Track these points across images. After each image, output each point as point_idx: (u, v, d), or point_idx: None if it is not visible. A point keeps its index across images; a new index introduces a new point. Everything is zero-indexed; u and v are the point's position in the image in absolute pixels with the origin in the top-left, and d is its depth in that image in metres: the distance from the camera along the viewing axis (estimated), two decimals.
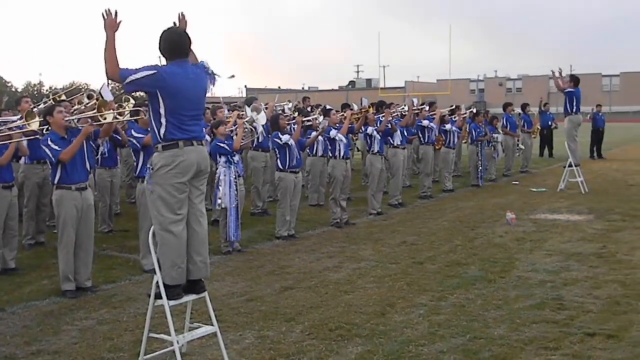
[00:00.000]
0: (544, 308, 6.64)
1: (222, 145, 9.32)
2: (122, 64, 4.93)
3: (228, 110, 12.62)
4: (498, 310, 6.64)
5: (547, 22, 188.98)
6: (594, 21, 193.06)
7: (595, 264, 8.41)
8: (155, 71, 4.95)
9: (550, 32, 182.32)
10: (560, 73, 15.86)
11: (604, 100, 73.79)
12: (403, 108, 14.50)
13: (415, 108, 14.30)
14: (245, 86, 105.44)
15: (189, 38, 5.14)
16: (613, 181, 17.13)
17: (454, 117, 16.62)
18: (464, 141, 18.47)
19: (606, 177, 18.17)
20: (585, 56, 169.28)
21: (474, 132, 16.70)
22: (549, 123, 24.18)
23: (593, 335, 5.82)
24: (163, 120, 5.03)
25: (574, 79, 15.69)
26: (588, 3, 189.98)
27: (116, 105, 8.33)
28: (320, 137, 12.10)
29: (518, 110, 21.31)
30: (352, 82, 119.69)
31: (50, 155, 7.34)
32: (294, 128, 12.46)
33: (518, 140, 19.65)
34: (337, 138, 11.43)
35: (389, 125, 12.80)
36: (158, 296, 5.10)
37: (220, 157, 9.30)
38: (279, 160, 10.44)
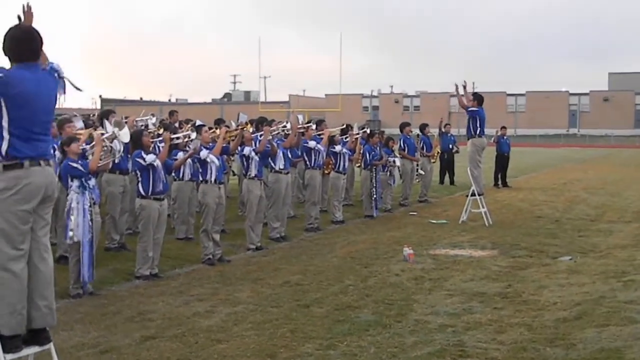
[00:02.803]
0: (444, 356, 6.85)
1: (75, 165, 9.08)
2: None
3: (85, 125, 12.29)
4: (394, 359, 6.79)
5: (450, 35, 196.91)
6: (499, 36, 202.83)
7: (499, 305, 8.77)
8: (1, 75, 4.79)
9: (453, 46, 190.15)
10: (464, 88, 16.49)
11: (509, 122, 77.53)
12: (286, 126, 14.65)
13: (300, 126, 14.47)
14: (100, 96, 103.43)
15: (40, 37, 5.00)
16: (519, 212, 17.94)
17: (345, 138, 16.93)
18: (356, 165, 18.81)
19: (511, 207, 19.01)
20: (489, 73, 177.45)
21: (367, 155, 17.02)
22: (450, 146, 24.99)
23: None
24: (5, 134, 4.85)
25: (478, 98, 16.27)
26: (493, 17, 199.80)
27: None
28: (189, 159, 12.03)
29: (416, 131, 21.87)
30: (227, 95, 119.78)
31: None
32: (159, 147, 12.32)
33: (417, 165, 20.16)
34: (208, 160, 11.39)
35: (269, 146, 12.90)
36: None
37: (72, 180, 9.04)
38: (140, 185, 10.28)
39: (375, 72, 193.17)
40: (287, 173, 13.81)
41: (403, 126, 19.97)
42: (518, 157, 35.41)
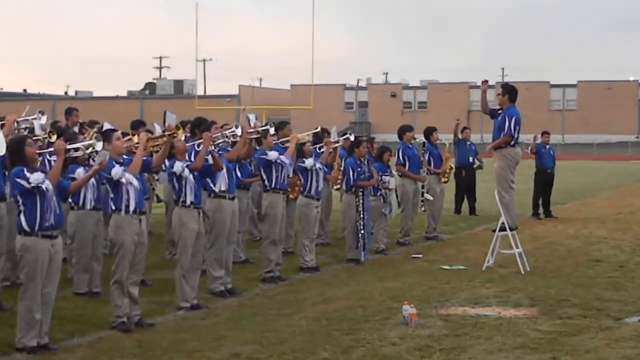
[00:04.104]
0: None
1: None
2: None
3: None
4: None
5: (469, 3, 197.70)
6: (539, 4, 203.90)
7: None
8: None
9: (474, 18, 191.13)
10: (486, 86, 16.58)
11: (554, 125, 77.94)
12: (235, 131, 14.64)
13: (254, 130, 14.45)
14: None
15: None
16: (568, 254, 18.01)
17: (319, 148, 16.92)
18: (335, 187, 18.81)
19: (557, 247, 19.10)
20: (525, 55, 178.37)
21: (351, 173, 16.98)
22: (470, 159, 25.04)
23: None
24: None
25: (510, 91, 16.26)
26: None
27: None
28: (92, 179, 11.99)
29: (421, 137, 21.80)
30: (150, 85, 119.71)
31: None
32: (49, 161, 12.25)
33: (423, 187, 20.13)
34: (123, 180, 11.35)
35: (209, 159, 12.88)
36: None
37: None
38: (23, 217, 10.23)
39: (364, 54, 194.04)
40: (234, 198, 13.80)
41: (403, 131, 19.95)
42: (567, 174, 35.66)
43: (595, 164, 61.86)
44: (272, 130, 15.19)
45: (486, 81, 16.58)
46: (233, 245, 14.33)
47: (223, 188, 13.47)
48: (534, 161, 25.67)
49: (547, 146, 26.16)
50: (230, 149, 14.00)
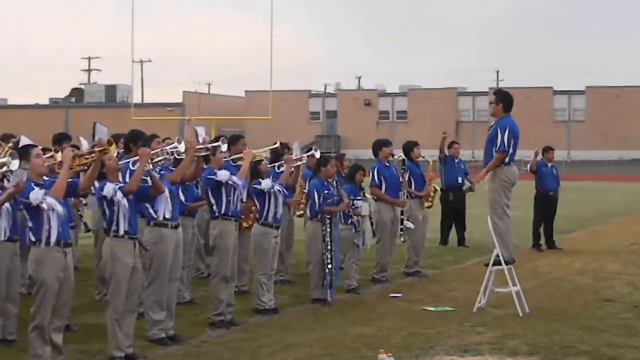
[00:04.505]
0: None
1: None
2: None
3: None
4: None
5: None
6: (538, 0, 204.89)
7: None
8: None
9: (465, 12, 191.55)
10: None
11: (558, 139, 78.31)
12: (177, 147, 14.60)
13: (202, 146, 14.43)
14: None
15: None
16: (574, 292, 18.13)
17: (279, 167, 16.92)
18: (297, 213, 18.81)
19: (562, 284, 19.21)
20: (523, 56, 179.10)
21: (317, 196, 16.98)
22: (459, 180, 25.07)
23: None
24: None
25: (504, 99, 16.31)
26: None
27: None
28: (6, 204, 11.96)
29: (400, 153, 21.77)
30: (77, 92, 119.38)
31: None
32: None
33: (402, 213, 20.12)
34: (44, 205, 11.32)
35: (149, 181, 12.86)
36: None
37: None
38: None
39: (332, 54, 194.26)
40: (177, 227, 13.79)
41: (378, 146, 19.92)
42: (573, 198, 35.73)
43: (607, 185, 62.07)
44: (224, 147, 15.05)
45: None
46: (176, 283, 14.28)
47: (166, 215, 13.42)
48: (533, 182, 25.75)
49: (550, 164, 26.18)
50: (173, 168, 13.96)
